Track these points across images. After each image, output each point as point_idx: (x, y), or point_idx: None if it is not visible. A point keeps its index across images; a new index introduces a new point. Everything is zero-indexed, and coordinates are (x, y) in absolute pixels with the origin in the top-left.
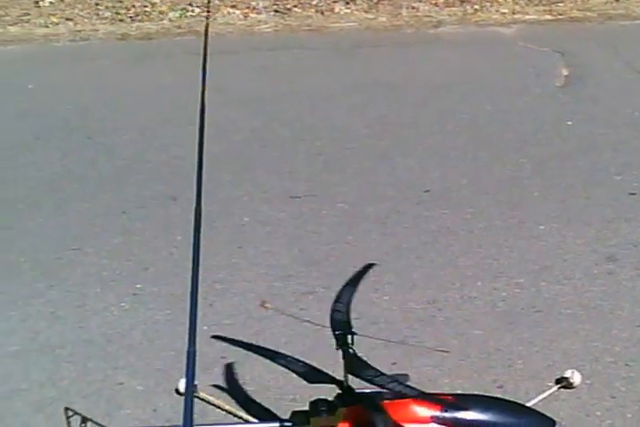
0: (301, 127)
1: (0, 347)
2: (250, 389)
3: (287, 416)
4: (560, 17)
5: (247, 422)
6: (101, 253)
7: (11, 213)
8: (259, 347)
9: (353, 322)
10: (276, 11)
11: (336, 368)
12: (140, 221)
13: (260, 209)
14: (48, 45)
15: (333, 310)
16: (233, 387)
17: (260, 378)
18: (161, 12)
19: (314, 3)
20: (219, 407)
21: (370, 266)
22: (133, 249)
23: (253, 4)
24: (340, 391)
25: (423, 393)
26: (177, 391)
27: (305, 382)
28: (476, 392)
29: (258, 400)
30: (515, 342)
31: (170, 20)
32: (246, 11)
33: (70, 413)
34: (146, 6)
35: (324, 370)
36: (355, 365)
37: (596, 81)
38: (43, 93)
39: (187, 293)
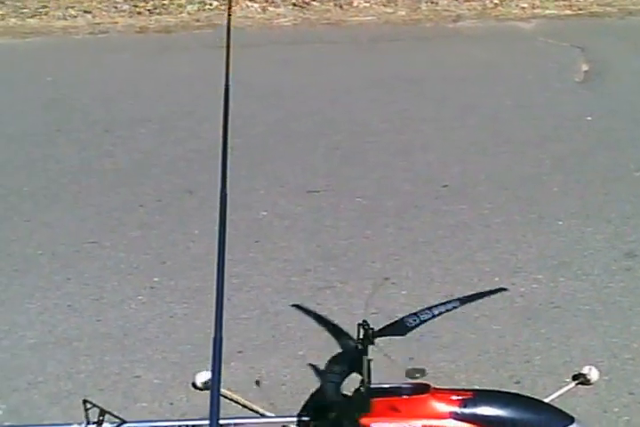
0: (320, 121)
1: (17, 339)
2: (266, 383)
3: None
4: (580, 12)
5: (264, 415)
6: (119, 246)
7: (29, 205)
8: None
9: (370, 317)
10: (295, 4)
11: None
12: (157, 214)
13: (277, 203)
14: (67, 38)
15: (415, 313)
16: (250, 381)
17: (277, 373)
18: (179, 6)
19: None
20: (236, 402)
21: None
22: (151, 242)
23: None
24: (358, 387)
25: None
26: (193, 385)
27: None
28: (493, 388)
29: (274, 395)
30: (532, 337)
31: (188, 14)
32: (265, 4)
33: (89, 405)
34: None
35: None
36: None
37: (615, 76)
38: (62, 86)
39: (203, 286)
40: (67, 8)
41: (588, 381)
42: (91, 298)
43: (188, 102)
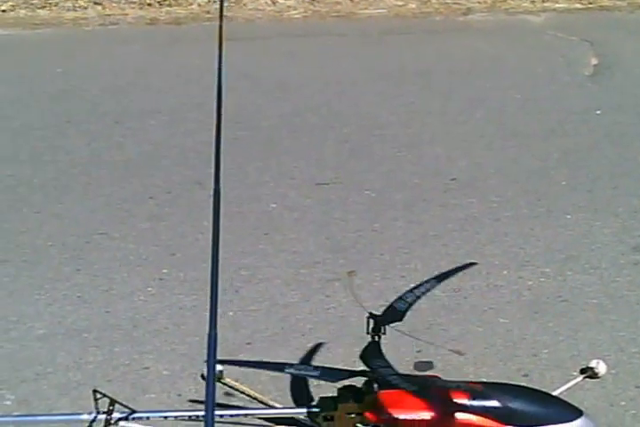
0: (329, 114)
1: (27, 330)
2: (275, 374)
3: (314, 402)
4: (590, 6)
5: (274, 407)
6: (128, 237)
7: (39, 196)
8: (267, 363)
9: (380, 309)
10: None
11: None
12: (167, 206)
13: (287, 195)
14: (77, 29)
15: (400, 298)
16: (258, 373)
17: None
18: None
19: None
20: (244, 393)
21: (469, 264)
22: (160, 234)
23: None
24: (368, 379)
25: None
26: (202, 377)
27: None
28: (501, 381)
29: (283, 386)
30: (540, 331)
31: (198, 6)
32: None
33: (98, 395)
34: None
35: (341, 367)
36: (369, 352)
37: (625, 70)
38: (72, 77)
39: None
40: None
41: (596, 374)
42: (100, 289)
43: (198, 94)
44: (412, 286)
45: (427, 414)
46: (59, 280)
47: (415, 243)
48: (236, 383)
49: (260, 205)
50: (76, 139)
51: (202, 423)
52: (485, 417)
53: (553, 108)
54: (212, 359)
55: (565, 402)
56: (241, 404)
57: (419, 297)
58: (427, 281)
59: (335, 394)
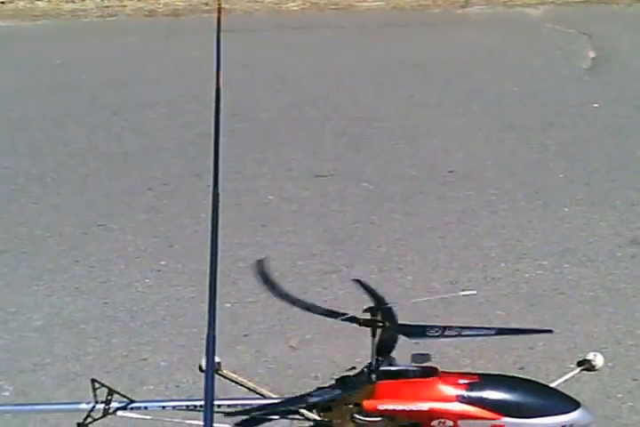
0: (327, 106)
1: (25, 321)
2: (272, 367)
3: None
4: None
5: (272, 398)
6: (126, 229)
7: (37, 187)
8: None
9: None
10: None
11: (360, 348)
12: (165, 197)
13: (284, 187)
14: (76, 21)
15: (443, 327)
16: (255, 365)
17: (283, 356)
18: None
19: None
20: (241, 385)
21: (545, 331)
22: (158, 226)
23: None
24: (365, 369)
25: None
26: (200, 368)
27: (326, 361)
28: (499, 372)
29: (280, 378)
30: (537, 323)
31: None
32: None
33: (97, 385)
34: None
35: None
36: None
37: (622, 64)
38: (70, 69)
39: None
40: None
41: (593, 367)
42: (98, 281)
43: (196, 86)
44: (469, 326)
45: (424, 405)
46: (57, 271)
47: (412, 235)
48: (234, 375)
49: (258, 196)
50: (74, 130)
51: (199, 414)
52: (483, 408)
53: (551, 101)
54: (210, 359)
55: (563, 394)
56: (238, 395)
57: (461, 336)
58: (485, 328)
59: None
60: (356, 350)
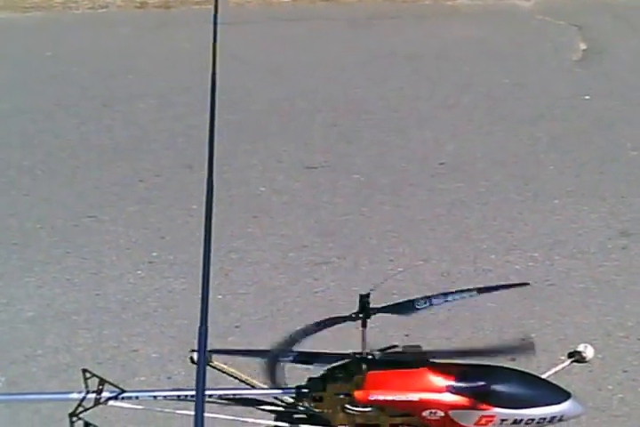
0: (318, 98)
1: (16, 313)
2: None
3: (303, 383)
4: None
5: (263, 388)
6: (118, 220)
7: (28, 179)
8: (257, 351)
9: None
10: None
11: (350, 338)
12: (156, 189)
13: (275, 179)
14: (67, 13)
15: (427, 297)
16: (247, 356)
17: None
18: None
19: None
20: (233, 376)
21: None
22: (149, 217)
23: None
24: (356, 359)
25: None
26: (191, 360)
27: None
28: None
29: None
30: (527, 315)
31: None
32: None
33: (88, 375)
34: None
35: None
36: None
37: (613, 56)
38: (61, 60)
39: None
40: None
41: (584, 358)
42: (89, 272)
43: (186, 78)
44: (451, 290)
45: (415, 396)
46: (48, 263)
47: (403, 227)
48: (225, 366)
49: (249, 188)
50: (65, 122)
51: (189, 404)
52: (474, 399)
53: (541, 93)
54: (202, 354)
55: (553, 384)
56: (230, 386)
57: (448, 302)
58: (466, 290)
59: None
60: (348, 340)
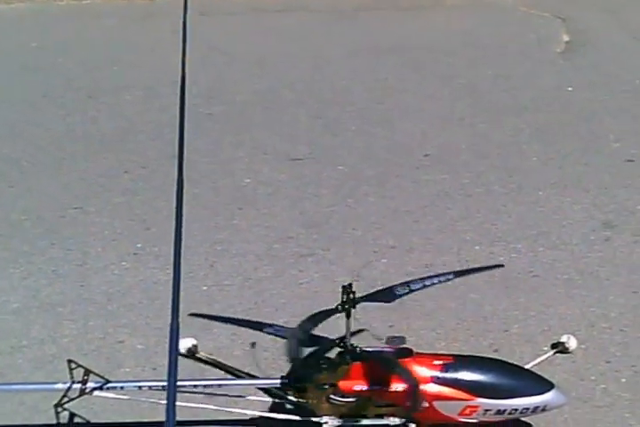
0: (303, 90)
1: (1, 304)
2: (248, 349)
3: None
4: None
5: (246, 378)
6: (103, 212)
7: (14, 170)
8: (243, 320)
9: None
10: None
11: (334, 329)
12: (141, 180)
13: (261, 170)
14: (52, 4)
15: (405, 282)
16: (232, 347)
17: (259, 339)
18: None
19: None
20: (218, 366)
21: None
22: (135, 209)
23: None
24: (341, 350)
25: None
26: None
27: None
28: (475, 354)
29: (256, 360)
30: (511, 306)
31: None
32: None
33: (73, 365)
34: None
35: (320, 334)
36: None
37: (596, 47)
38: (46, 52)
39: (186, 253)
40: None
41: (567, 349)
42: (74, 263)
43: (172, 69)
44: (427, 275)
45: (399, 386)
46: (33, 254)
47: (387, 218)
48: (211, 357)
49: (234, 180)
50: (50, 113)
51: (177, 394)
52: (457, 389)
53: (525, 85)
54: (174, 350)
55: (537, 375)
56: (214, 377)
57: (426, 286)
58: (443, 273)
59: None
60: (333, 331)
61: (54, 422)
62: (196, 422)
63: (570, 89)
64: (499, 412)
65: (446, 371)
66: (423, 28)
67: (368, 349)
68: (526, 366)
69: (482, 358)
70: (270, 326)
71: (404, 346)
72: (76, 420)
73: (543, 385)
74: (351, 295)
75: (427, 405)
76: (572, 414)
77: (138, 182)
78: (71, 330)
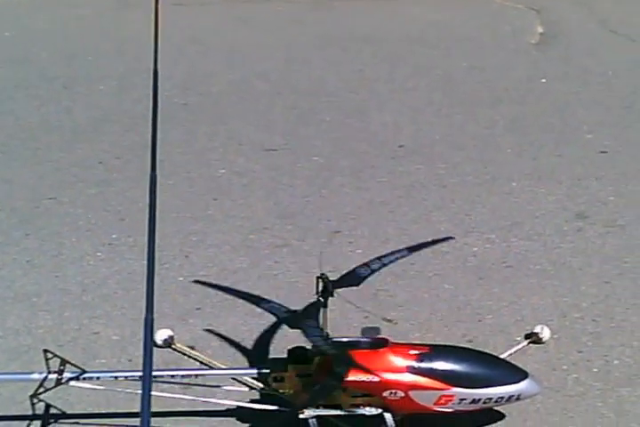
0: (277, 80)
1: None
2: (225, 339)
3: (264, 364)
4: None
5: (223, 368)
6: (78, 202)
7: None
8: (241, 292)
9: (328, 275)
10: None
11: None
12: (116, 171)
13: (235, 161)
14: None
15: (364, 264)
16: (208, 338)
17: (235, 329)
18: None
19: None
20: (194, 358)
21: (445, 238)
22: (109, 199)
23: None
24: (317, 340)
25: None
26: (153, 343)
27: (278, 335)
28: (450, 343)
29: (232, 352)
30: (484, 296)
31: None
32: None
33: (49, 355)
34: None
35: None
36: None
37: (570, 39)
38: (20, 41)
39: (162, 243)
40: None
41: (540, 340)
42: (49, 254)
43: (147, 59)
44: (383, 253)
45: (375, 376)
46: (8, 245)
47: (362, 209)
48: (187, 348)
49: (209, 170)
50: (24, 103)
51: (153, 384)
52: (433, 379)
53: (499, 77)
54: (148, 344)
55: (511, 364)
56: (190, 367)
57: (385, 265)
58: (397, 250)
59: (285, 355)
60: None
61: (30, 413)
62: (173, 413)
63: (543, 80)
64: (474, 401)
65: (422, 361)
66: (399, 19)
67: (344, 339)
68: (501, 356)
69: (457, 347)
70: (268, 302)
71: (380, 336)
72: (52, 411)
73: (518, 374)
74: (327, 285)
75: (403, 394)
76: (544, 404)
77: (112, 173)
78: (46, 321)
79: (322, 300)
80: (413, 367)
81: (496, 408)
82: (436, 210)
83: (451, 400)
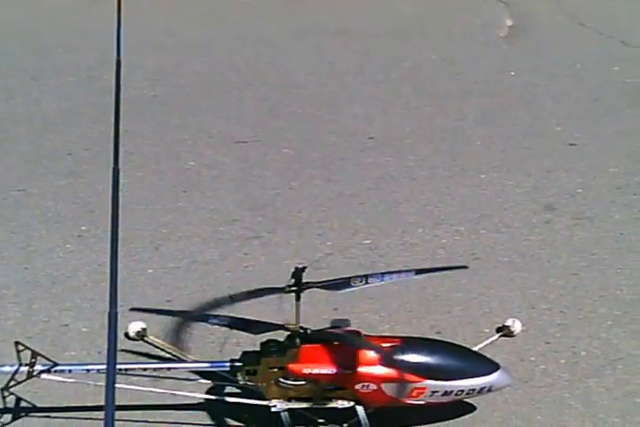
0: (247, 72)
1: None
2: (196, 332)
3: (237, 357)
4: None
5: (195, 361)
6: (47, 194)
7: None
8: (186, 312)
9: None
10: None
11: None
12: (85, 163)
13: (205, 153)
14: None
15: (364, 275)
16: (179, 330)
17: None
18: None
19: None
20: (165, 350)
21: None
22: (79, 191)
23: None
24: (290, 333)
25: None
26: (126, 335)
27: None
28: (421, 336)
29: (202, 344)
30: (453, 288)
31: None
32: None
33: (21, 347)
34: None
35: (264, 320)
36: None
37: (539, 32)
38: None
39: (131, 235)
40: None
41: (512, 333)
42: (18, 246)
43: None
44: (388, 270)
45: (347, 369)
46: None
47: (332, 201)
48: (159, 341)
49: (179, 162)
50: None
51: (123, 377)
52: (405, 371)
53: (468, 69)
54: (112, 338)
55: (483, 356)
56: (161, 360)
57: (383, 281)
58: (404, 271)
59: (258, 348)
60: (277, 315)
61: (1, 406)
62: (143, 407)
63: (513, 73)
64: (446, 393)
65: (394, 353)
66: (369, 12)
67: (317, 332)
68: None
69: (429, 340)
70: (215, 317)
71: (353, 328)
72: (22, 404)
73: (489, 366)
74: (302, 279)
75: (375, 387)
76: (512, 395)
77: (82, 165)
78: (15, 313)
79: (286, 289)
80: (386, 360)
81: (466, 400)
82: (406, 202)
83: (423, 393)
